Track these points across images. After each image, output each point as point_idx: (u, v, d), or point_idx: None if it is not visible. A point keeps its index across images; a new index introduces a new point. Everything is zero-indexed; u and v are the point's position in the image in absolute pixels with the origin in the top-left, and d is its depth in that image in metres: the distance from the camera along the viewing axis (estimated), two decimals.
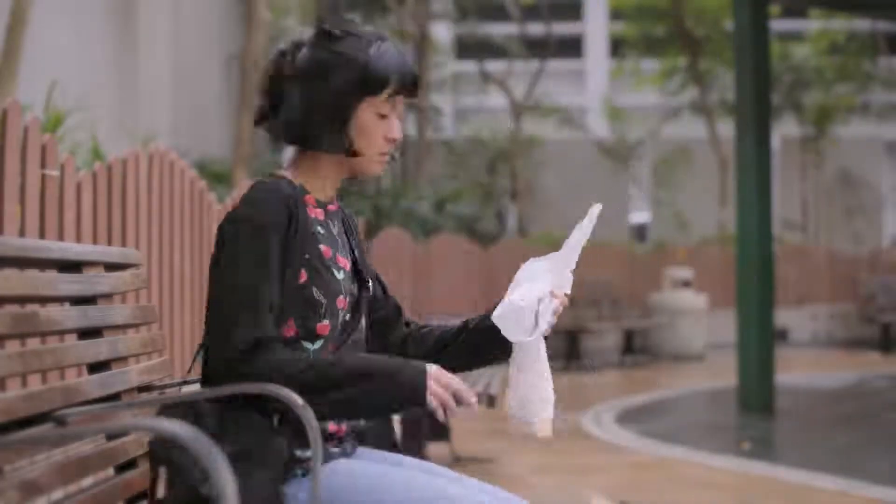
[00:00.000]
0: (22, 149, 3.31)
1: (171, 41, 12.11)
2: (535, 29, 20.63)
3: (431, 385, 1.79)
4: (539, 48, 19.36)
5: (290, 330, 1.88)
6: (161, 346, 2.20)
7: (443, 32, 24.01)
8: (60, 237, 3.57)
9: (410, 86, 1.96)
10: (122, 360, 2.00)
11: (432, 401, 1.79)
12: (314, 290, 1.88)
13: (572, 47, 35.34)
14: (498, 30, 21.27)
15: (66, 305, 1.89)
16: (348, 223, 2.08)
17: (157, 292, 4.51)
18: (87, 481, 1.82)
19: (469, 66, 22.16)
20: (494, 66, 20.31)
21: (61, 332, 1.83)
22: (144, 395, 2.07)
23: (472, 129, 21.02)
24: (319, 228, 1.95)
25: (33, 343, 2.99)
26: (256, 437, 1.77)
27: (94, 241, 3.88)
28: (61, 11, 8.90)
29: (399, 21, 17.19)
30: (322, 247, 1.93)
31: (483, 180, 18.20)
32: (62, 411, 1.63)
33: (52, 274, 1.86)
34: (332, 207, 2.02)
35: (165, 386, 2.14)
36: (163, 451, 1.75)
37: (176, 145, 9.99)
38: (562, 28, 25.72)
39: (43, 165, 3.44)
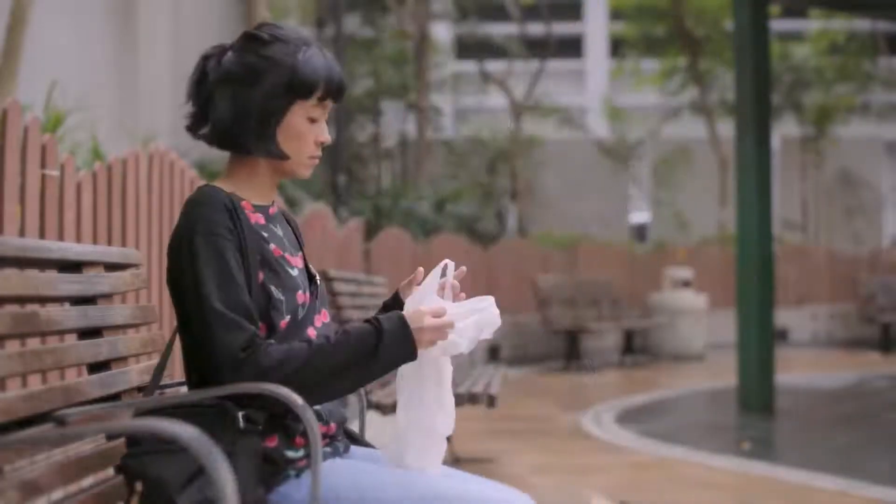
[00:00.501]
0: (22, 149, 3.31)
1: (171, 41, 12.11)
2: (535, 29, 20.63)
3: (423, 340, 1.86)
4: (539, 48, 19.36)
5: (261, 329, 1.88)
6: (161, 347, 2.20)
7: (443, 32, 24.00)
8: (60, 237, 3.57)
9: (338, 90, 1.99)
10: (122, 360, 2.01)
11: (430, 349, 1.88)
12: (272, 288, 1.90)
13: (572, 47, 35.36)
14: (498, 30, 21.25)
15: (66, 305, 1.89)
16: (291, 224, 2.11)
17: (157, 292, 4.51)
18: (87, 481, 1.82)
19: (469, 66, 22.15)
20: (494, 66, 20.32)
21: (61, 332, 1.83)
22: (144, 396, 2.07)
23: (472, 129, 21.01)
24: (263, 231, 1.96)
25: (33, 343, 2.99)
26: (230, 438, 1.76)
27: (94, 241, 3.88)
28: (61, 11, 8.90)
29: (399, 21, 17.19)
30: (272, 246, 1.95)
31: (483, 180, 18.19)
32: (62, 411, 1.63)
33: (52, 274, 1.86)
34: (272, 210, 2.03)
35: (165, 386, 2.14)
36: (137, 465, 1.75)
37: (176, 145, 9.97)
38: (562, 28, 25.73)
39: (43, 165, 3.44)
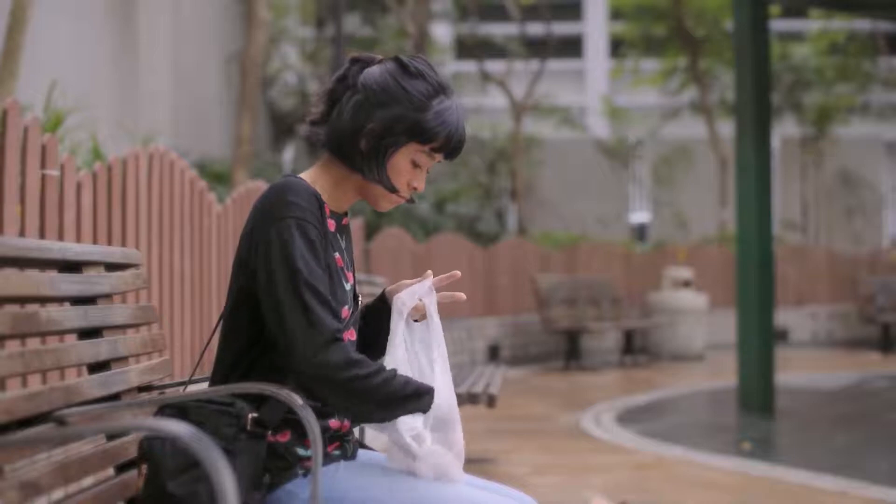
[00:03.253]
0: (22, 149, 3.31)
1: (171, 41, 12.11)
2: (535, 29, 20.62)
3: None
4: (539, 48, 19.34)
5: None
6: (161, 346, 2.20)
7: (443, 32, 23.98)
8: (60, 237, 3.57)
9: (454, 150, 1.98)
10: (122, 360, 2.01)
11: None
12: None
13: (572, 47, 35.34)
14: (498, 30, 21.23)
15: (66, 305, 1.89)
16: (351, 241, 2.10)
17: (157, 292, 4.51)
18: (87, 481, 1.82)
19: (469, 66, 22.14)
20: (494, 66, 20.30)
21: (61, 332, 1.83)
22: (144, 395, 2.07)
23: (472, 129, 21.01)
24: (332, 239, 1.96)
25: (33, 343, 2.99)
26: (232, 437, 1.77)
27: (94, 241, 3.88)
28: (61, 11, 8.90)
29: (399, 21, 17.18)
30: (336, 255, 1.94)
31: (483, 180, 18.18)
32: (62, 411, 1.63)
33: (52, 274, 1.86)
34: (345, 221, 2.03)
35: (165, 386, 2.14)
36: (146, 447, 1.77)
37: (176, 145, 9.98)
38: (562, 28, 25.71)
39: (43, 165, 3.45)
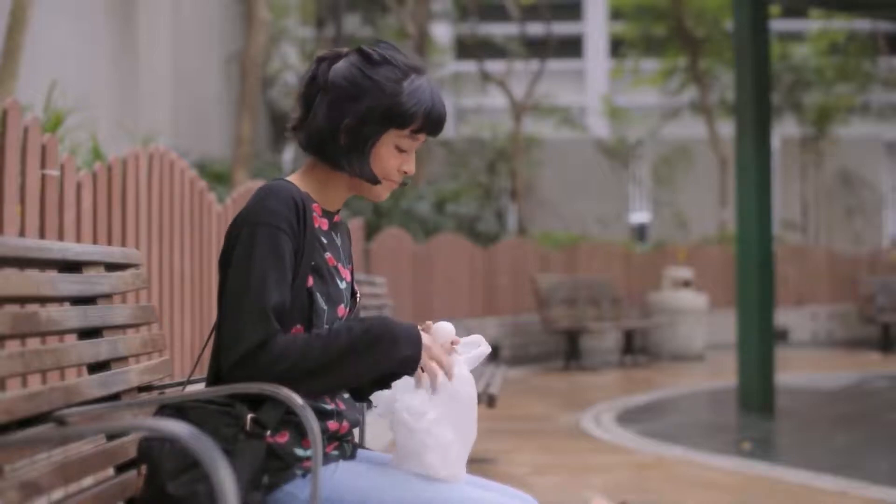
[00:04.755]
0: (22, 149, 3.31)
1: (171, 41, 12.10)
2: (535, 29, 20.62)
3: (424, 358, 1.85)
4: (539, 48, 19.34)
5: (298, 331, 1.88)
6: (161, 346, 2.20)
7: (443, 32, 23.98)
8: (60, 237, 3.57)
9: (435, 126, 1.96)
10: (122, 360, 2.01)
11: (420, 372, 1.87)
12: (318, 296, 1.89)
13: (572, 47, 35.36)
14: (498, 30, 21.23)
15: (66, 305, 1.89)
16: (348, 237, 2.10)
17: (157, 292, 4.51)
18: (87, 481, 1.82)
19: (469, 66, 22.14)
20: (494, 66, 20.30)
21: (61, 332, 1.83)
22: (144, 395, 2.07)
23: (472, 129, 21.00)
24: (323, 238, 1.95)
25: (33, 343, 2.99)
26: (232, 437, 1.77)
27: (94, 241, 3.88)
28: (61, 11, 8.90)
29: (399, 21, 17.18)
30: (327, 255, 1.94)
31: (483, 180, 18.17)
32: (62, 411, 1.63)
33: (52, 274, 1.86)
34: (337, 218, 2.03)
35: (165, 386, 2.14)
36: (145, 448, 1.76)
37: (176, 145, 9.98)
38: (562, 28, 25.72)
39: (43, 165, 3.44)
